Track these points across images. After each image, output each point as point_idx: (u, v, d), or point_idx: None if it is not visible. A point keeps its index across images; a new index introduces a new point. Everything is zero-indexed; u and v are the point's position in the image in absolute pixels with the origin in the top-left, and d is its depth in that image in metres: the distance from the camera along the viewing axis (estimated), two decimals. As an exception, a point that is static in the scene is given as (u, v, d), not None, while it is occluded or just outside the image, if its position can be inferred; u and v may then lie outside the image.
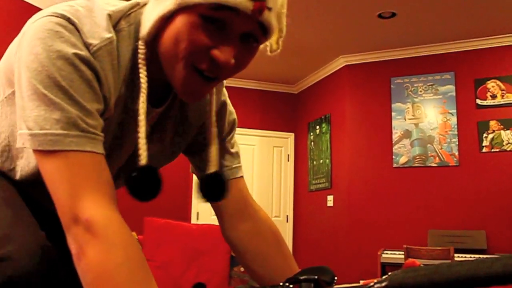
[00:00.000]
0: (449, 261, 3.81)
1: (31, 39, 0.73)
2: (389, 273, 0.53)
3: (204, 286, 0.75)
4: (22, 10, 4.14)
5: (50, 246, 0.78)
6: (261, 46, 0.84)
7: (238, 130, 1.02)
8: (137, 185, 0.76)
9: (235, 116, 1.09)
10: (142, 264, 0.68)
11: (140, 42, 0.81)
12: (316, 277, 0.64)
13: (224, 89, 1.05)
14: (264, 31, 0.78)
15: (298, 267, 1.03)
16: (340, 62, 5.87)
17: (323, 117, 6.22)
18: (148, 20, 0.80)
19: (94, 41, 0.76)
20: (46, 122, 0.70)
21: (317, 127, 6.33)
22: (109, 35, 0.78)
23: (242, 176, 1.09)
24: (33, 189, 0.95)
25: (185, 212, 6.07)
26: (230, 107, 1.08)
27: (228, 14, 0.73)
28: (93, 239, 0.66)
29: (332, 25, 4.93)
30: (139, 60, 0.81)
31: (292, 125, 6.90)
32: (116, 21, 0.80)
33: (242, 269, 3.34)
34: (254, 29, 0.77)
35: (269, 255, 1.05)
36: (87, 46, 0.75)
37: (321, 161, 6.15)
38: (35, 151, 0.72)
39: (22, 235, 0.76)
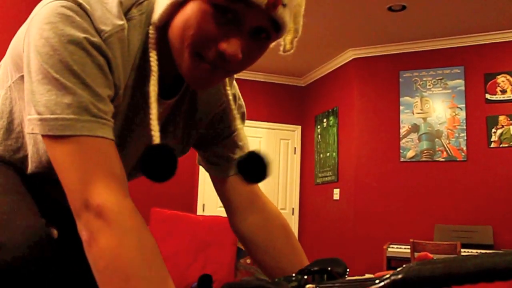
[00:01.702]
0: (464, 254, 3.79)
1: (42, 23, 0.71)
2: (404, 265, 0.53)
3: (210, 278, 0.74)
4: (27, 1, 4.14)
5: (48, 234, 0.76)
6: (275, 43, 0.82)
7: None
8: (151, 164, 0.73)
9: (244, 109, 1.09)
10: (155, 251, 0.67)
11: (150, 27, 0.80)
12: (329, 268, 0.64)
13: (234, 82, 1.05)
14: (277, 27, 0.75)
15: (307, 259, 1.03)
16: (348, 55, 5.83)
17: (330, 110, 6.20)
18: (160, 6, 0.79)
19: (105, 27, 0.74)
20: (57, 106, 0.68)
21: (324, 120, 6.31)
22: (120, 22, 0.77)
23: None
24: (45, 182, 0.94)
25: (191, 203, 6.08)
26: (240, 100, 1.07)
27: (241, 6, 0.71)
28: (105, 225, 0.65)
29: (341, 17, 4.90)
30: (150, 45, 0.80)
31: (299, 118, 6.88)
32: (127, 8, 0.79)
33: (248, 261, 3.35)
34: (266, 25, 0.74)
35: (278, 247, 1.04)
36: (98, 32, 0.74)
37: (328, 154, 6.13)
38: (45, 136, 0.71)
39: (19, 223, 0.74)
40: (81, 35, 0.71)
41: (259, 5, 0.71)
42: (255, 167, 0.90)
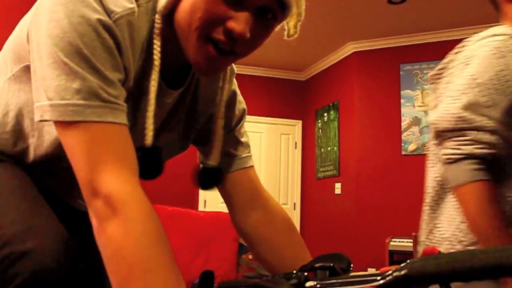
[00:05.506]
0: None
1: (52, 5, 0.70)
2: (408, 261, 0.51)
3: (212, 274, 0.74)
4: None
5: (70, 238, 0.76)
6: (277, 29, 0.83)
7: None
8: (140, 165, 0.76)
9: (244, 105, 1.08)
10: (161, 238, 0.67)
11: (157, 16, 0.80)
12: (331, 264, 0.63)
13: (234, 79, 1.04)
14: (282, 7, 0.77)
15: (310, 255, 1.02)
16: (349, 49, 5.81)
17: (331, 104, 6.18)
18: None
19: (116, 8, 0.74)
20: (67, 92, 0.68)
21: (325, 114, 6.30)
22: (131, 6, 0.76)
23: (252, 166, 1.07)
24: (47, 176, 0.93)
25: (192, 199, 6.08)
26: (240, 97, 1.07)
27: None
28: (112, 214, 0.65)
29: (341, 10, 4.87)
30: (154, 35, 0.79)
31: (299, 112, 6.86)
32: None
33: (250, 256, 3.35)
34: (272, 4, 0.76)
35: (281, 244, 1.03)
36: (108, 13, 0.73)
37: (329, 148, 6.12)
38: (56, 122, 0.70)
39: (43, 229, 0.74)
40: (93, 15, 0.70)
41: None
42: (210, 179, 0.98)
